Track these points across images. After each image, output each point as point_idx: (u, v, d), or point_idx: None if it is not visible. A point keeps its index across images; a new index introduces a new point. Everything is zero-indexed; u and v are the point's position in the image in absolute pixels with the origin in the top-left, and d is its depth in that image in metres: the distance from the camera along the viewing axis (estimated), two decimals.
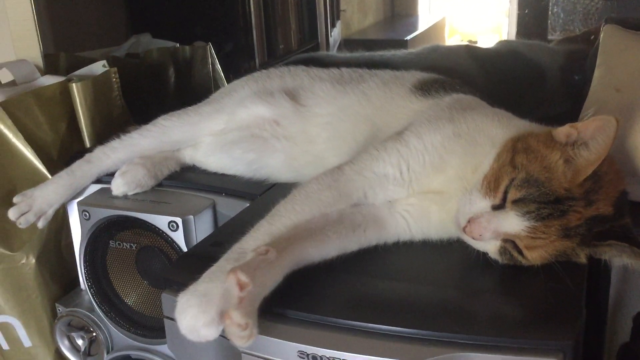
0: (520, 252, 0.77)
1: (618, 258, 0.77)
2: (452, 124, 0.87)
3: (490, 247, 0.78)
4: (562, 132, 0.77)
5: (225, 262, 0.76)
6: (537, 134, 0.80)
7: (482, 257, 0.80)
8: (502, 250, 0.77)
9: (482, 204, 0.78)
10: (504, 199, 0.76)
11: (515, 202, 0.75)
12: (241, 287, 0.67)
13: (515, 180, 0.75)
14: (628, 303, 0.87)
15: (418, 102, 0.99)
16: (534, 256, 0.76)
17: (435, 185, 0.86)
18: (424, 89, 1.00)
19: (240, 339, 0.67)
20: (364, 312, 0.72)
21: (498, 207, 0.77)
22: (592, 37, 1.23)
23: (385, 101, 1.01)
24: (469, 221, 0.77)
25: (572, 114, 1.06)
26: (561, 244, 0.75)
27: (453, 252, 0.84)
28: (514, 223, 0.75)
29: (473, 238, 0.78)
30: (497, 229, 0.76)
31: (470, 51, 1.51)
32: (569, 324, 0.68)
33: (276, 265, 0.72)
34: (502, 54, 1.52)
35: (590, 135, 0.75)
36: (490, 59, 1.48)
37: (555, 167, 0.75)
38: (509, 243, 0.77)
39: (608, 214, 0.76)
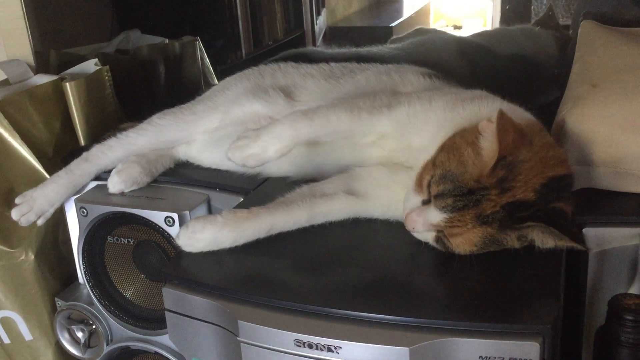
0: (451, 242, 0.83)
1: (545, 240, 0.81)
2: (450, 95, 0.93)
3: (429, 237, 0.85)
4: (483, 125, 0.83)
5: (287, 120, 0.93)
6: (466, 129, 0.85)
7: None
8: (437, 239, 0.85)
9: (415, 199, 0.86)
10: (430, 194, 0.83)
11: (436, 196, 0.82)
12: None
13: (434, 176, 0.82)
14: (604, 287, 0.91)
15: (429, 81, 1.04)
16: (457, 242, 0.82)
17: (414, 145, 0.92)
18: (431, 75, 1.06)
19: None
20: (356, 301, 0.77)
21: (427, 202, 0.84)
22: (571, 32, 1.27)
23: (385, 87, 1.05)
24: (405, 217, 0.86)
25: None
26: (481, 231, 0.81)
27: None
28: (435, 215, 0.82)
29: (410, 231, 0.86)
30: (425, 222, 0.83)
31: (460, 46, 1.50)
32: (547, 308, 0.72)
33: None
34: (494, 50, 1.50)
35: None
36: (481, 55, 1.47)
37: (467, 160, 0.81)
38: (441, 232, 0.84)
39: (529, 200, 0.80)
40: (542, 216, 0.80)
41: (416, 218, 0.84)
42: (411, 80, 1.05)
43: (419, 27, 1.76)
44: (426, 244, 0.87)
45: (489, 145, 0.80)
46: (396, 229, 0.92)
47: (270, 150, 0.92)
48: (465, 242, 0.82)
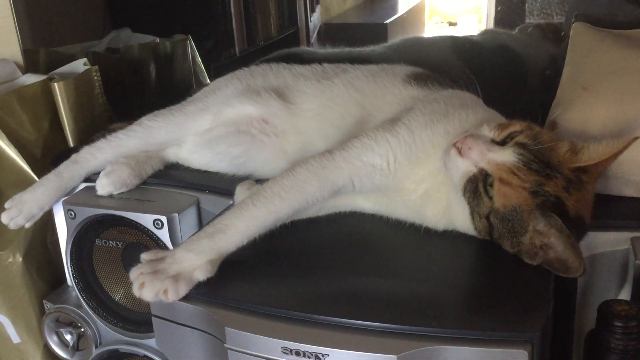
0: (485, 188, 0.82)
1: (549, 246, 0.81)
2: (445, 119, 0.91)
3: (462, 171, 0.84)
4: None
5: (203, 234, 0.83)
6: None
7: (454, 254, 0.85)
8: (472, 178, 0.83)
9: (487, 133, 0.85)
10: (504, 142, 0.83)
11: (519, 144, 0.82)
12: None
13: (525, 131, 0.83)
14: (595, 292, 0.91)
15: (413, 89, 1.03)
16: (501, 191, 0.81)
17: (414, 178, 0.90)
18: (419, 79, 1.04)
19: None
20: (343, 308, 0.76)
21: (497, 144, 0.83)
22: (562, 34, 1.26)
23: (376, 87, 1.05)
24: (466, 136, 0.83)
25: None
26: (525, 197, 0.80)
27: (426, 248, 0.89)
28: (504, 155, 0.81)
29: (459, 151, 0.83)
30: (486, 153, 0.82)
31: (454, 45, 1.50)
32: (536, 316, 0.72)
33: None
34: (488, 48, 1.51)
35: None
36: (476, 54, 1.47)
37: (561, 149, 0.84)
38: (482, 175, 0.82)
39: (569, 210, 0.81)
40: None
41: (480, 143, 0.82)
42: (394, 93, 1.03)
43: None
44: (415, 249, 0.86)
45: (592, 154, 0.83)
46: (384, 236, 0.92)
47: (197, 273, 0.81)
48: (507, 195, 0.81)
